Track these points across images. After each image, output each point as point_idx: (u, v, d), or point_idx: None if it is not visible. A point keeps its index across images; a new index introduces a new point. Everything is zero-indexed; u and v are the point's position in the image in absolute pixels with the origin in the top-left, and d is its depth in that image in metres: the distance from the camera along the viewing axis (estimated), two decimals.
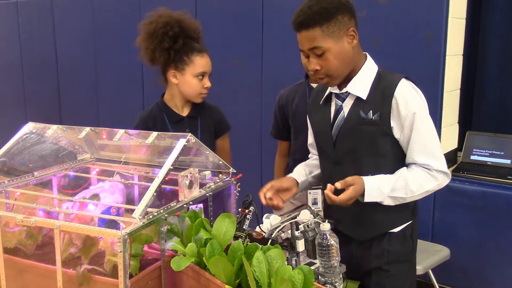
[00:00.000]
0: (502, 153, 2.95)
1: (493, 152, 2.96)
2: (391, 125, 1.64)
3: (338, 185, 1.57)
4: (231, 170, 1.76)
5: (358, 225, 1.75)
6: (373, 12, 2.98)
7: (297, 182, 1.81)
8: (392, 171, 1.66)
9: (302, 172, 1.88)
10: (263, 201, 1.71)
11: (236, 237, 1.49)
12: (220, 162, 1.74)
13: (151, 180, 1.57)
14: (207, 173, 1.78)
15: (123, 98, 4.47)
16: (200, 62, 2.13)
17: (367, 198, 1.61)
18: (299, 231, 1.51)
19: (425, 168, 1.65)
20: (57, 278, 1.35)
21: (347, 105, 1.70)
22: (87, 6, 4.57)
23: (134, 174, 1.85)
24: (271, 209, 1.73)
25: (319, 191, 2.17)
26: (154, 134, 1.63)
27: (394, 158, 1.69)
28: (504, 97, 3.13)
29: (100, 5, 4.50)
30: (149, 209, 1.38)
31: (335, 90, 1.73)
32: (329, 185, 1.57)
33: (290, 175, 1.85)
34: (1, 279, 1.47)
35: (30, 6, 5.09)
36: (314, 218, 1.56)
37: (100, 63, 4.60)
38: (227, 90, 3.69)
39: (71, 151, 1.97)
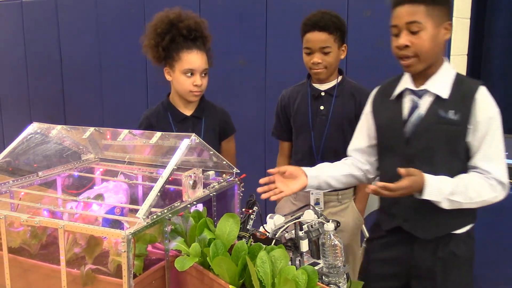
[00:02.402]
0: (506, 153, 2.93)
1: None
2: (468, 127, 1.64)
3: (402, 171, 1.56)
4: (235, 170, 1.76)
5: (424, 225, 1.73)
6: (378, 12, 2.97)
7: (305, 174, 1.77)
8: (464, 173, 1.66)
9: (318, 168, 1.83)
10: (262, 182, 1.68)
11: (239, 237, 1.49)
12: (224, 163, 1.74)
13: (155, 180, 1.58)
14: (211, 173, 1.78)
15: (127, 98, 4.48)
16: (187, 59, 2.11)
17: (426, 196, 1.59)
18: (303, 231, 1.51)
19: (484, 176, 1.64)
20: (62, 277, 1.35)
21: (425, 103, 1.69)
22: (91, 6, 4.58)
23: (138, 174, 1.86)
24: (267, 197, 1.70)
25: (321, 191, 2.17)
26: (158, 134, 1.63)
27: (468, 160, 1.68)
28: (509, 97, 3.12)
29: (104, 4, 4.50)
30: (153, 209, 1.38)
31: (411, 86, 1.72)
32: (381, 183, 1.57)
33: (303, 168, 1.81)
34: (6, 278, 1.47)
35: (35, 6, 5.11)
36: (318, 218, 1.56)
37: (105, 63, 4.61)
38: (230, 90, 3.69)
39: (75, 151, 1.98)
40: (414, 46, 1.63)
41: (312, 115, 2.25)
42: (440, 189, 1.59)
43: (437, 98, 1.67)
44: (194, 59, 2.12)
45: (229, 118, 2.33)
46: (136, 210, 1.35)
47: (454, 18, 2.76)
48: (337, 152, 2.23)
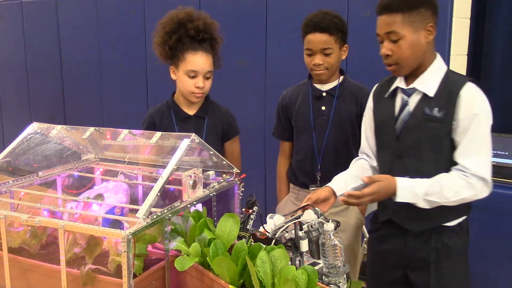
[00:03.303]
0: (506, 153, 2.93)
1: (498, 152, 2.95)
2: (452, 124, 1.66)
3: (365, 179, 1.63)
4: (235, 170, 1.76)
5: (413, 217, 1.75)
6: None
7: (334, 191, 1.78)
8: (450, 169, 1.68)
9: (342, 183, 1.84)
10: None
11: (239, 237, 1.49)
12: (224, 162, 1.74)
13: (155, 180, 1.58)
14: (211, 173, 1.78)
15: (127, 98, 4.48)
16: (192, 60, 2.11)
17: (399, 198, 1.64)
18: (302, 231, 1.51)
19: (463, 172, 1.65)
20: (62, 277, 1.35)
21: (413, 100, 1.73)
22: (91, 6, 4.58)
23: (138, 174, 1.86)
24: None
25: None
26: (158, 134, 1.63)
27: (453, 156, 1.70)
28: (509, 97, 3.12)
29: (104, 4, 4.50)
30: (153, 209, 1.38)
31: (402, 85, 1.76)
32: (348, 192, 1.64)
33: (328, 184, 1.81)
34: (5, 278, 1.47)
35: (35, 6, 5.11)
36: (318, 218, 1.56)
37: (105, 63, 4.61)
38: (230, 90, 3.69)
39: (75, 151, 1.98)
40: (395, 55, 1.68)
41: (313, 115, 2.25)
42: (413, 192, 1.63)
43: (424, 96, 1.71)
44: (198, 60, 2.11)
45: (233, 120, 2.32)
46: (136, 210, 1.35)
47: (454, 18, 2.76)
48: (339, 152, 2.23)
